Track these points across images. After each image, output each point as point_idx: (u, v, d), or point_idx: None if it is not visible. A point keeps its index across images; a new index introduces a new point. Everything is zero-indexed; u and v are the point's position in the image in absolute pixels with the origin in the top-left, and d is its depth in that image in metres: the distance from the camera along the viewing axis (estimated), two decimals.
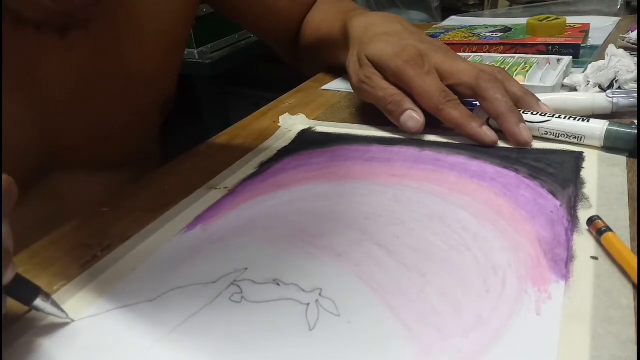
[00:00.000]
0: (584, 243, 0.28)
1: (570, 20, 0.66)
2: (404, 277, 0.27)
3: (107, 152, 0.47)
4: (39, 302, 0.25)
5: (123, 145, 0.48)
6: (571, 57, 0.55)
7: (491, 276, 0.26)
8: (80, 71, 0.41)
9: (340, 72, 0.61)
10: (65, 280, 0.29)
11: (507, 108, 0.40)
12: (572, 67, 0.55)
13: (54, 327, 0.26)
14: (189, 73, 1.33)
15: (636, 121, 0.41)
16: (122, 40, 0.43)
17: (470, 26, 0.73)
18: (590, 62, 0.50)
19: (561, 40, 0.60)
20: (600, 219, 0.28)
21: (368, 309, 0.25)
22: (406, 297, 0.25)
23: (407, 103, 0.42)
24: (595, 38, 0.65)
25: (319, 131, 0.46)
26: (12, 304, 0.27)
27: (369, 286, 0.26)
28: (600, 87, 0.47)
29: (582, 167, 0.36)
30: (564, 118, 0.39)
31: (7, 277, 0.23)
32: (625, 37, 0.58)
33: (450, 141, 0.42)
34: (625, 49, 0.53)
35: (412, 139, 0.43)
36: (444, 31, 0.72)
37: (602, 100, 0.42)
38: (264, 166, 0.41)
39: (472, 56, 0.59)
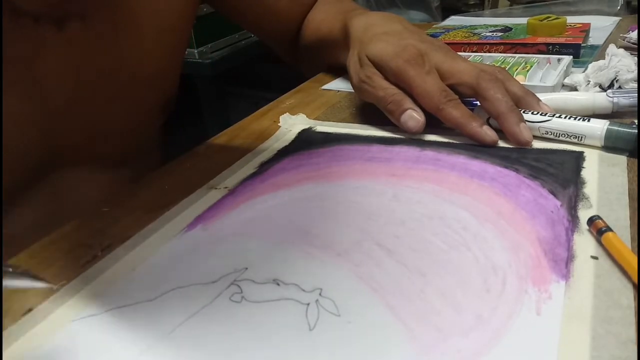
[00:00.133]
0: (584, 243, 0.28)
1: (571, 20, 0.66)
2: (404, 277, 0.27)
3: (107, 151, 0.47)
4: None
5: (124, 145, 0.48)
6: (571, 56, 0.55)
7: (491, 276, 0.26)
8: (80, 68, 0.41)
9: (340, 72, 0.61)
10: (65, 280, 0.29)
11: (507, 108, 0.40)
12: (573, 66, 0.55)
13: (54, 327, 0.26)
14: (189, 73, 1.33)
15: (636, 121, 0.41)
16: (121, 38, 0.43)
17: (471, 26, 0.73)
18: (591, 62, 0.50)
19: (561, 40, 0.60)
20: (601, 218, 0.28)
21: (368, 309, 0.25)
22: (406, 297, 0.25)
23: (408, 103, 0.42)
24: (596, 38, 0.65)
25: (319, 131, 0.46)
26: (10, 306, 0.27)
27: (369, 286, 0.26)
28: (600, 86, 0.47)
29: (583, 167, 0.36)
30: (565, 118, 0.39)
31: None
32: (626, 37, 0.58)
33: (450, 141, 0.42)
34: (626, 48, 0.53)
35: (413, 139, 0.43)
36: (444, 31, 0.72)
37: (602, 99, 0.42)
38: (264, 166, 0.41)
39: (473, 56, 0.59)
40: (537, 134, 0.40)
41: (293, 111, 0.50)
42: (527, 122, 0.40)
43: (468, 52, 0.63)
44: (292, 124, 0.48)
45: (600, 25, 0.70)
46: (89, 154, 0.45)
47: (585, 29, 0.64)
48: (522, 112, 0.40)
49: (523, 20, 0.70)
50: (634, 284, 0.25)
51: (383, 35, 0.46)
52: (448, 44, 0.55)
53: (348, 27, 0.52)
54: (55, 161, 0.43)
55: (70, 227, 0.34)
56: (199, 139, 0.48)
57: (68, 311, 0.26)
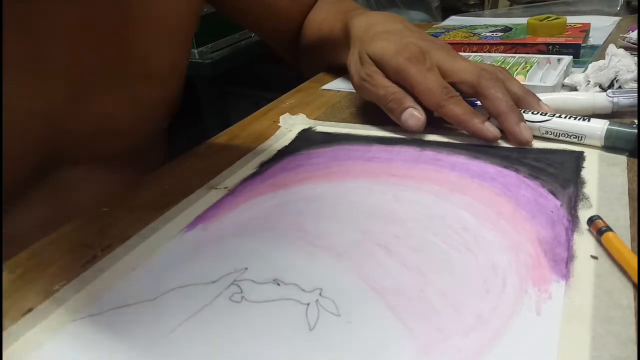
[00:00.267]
0: (584, 243, 0.28)
1: (571, 20, 0.66)
2: (404, 277, 0.27)
3: (111, 150, 0.47)
4: None
5: (128, 144, 0.48)
6: (571, 56, 0.55)
7: (491, 276, 0.26)
8: (85, 62, 0.41)
9: (340, 72, 0.61)
10: (65, 280, 0.29)
11: (507, 107, 0.40)
12: (573, 66, 0.55)
13: (54, 327, 0.26)
14: (189, 73, 1.33)
15: (636, 121, 0.41)
16: (128, 32, 0.43)
17: (471, 26, 0.73)
18: (591, 62, 0.50)
19: (561, 40, 0.60)
20: (601, 218, 0.28)
21: (368, 309, 0.25)
22: (406, 297, 0.25)
23: (408, 101, 0.42)
24: (596, 38, 0.65)
25: (319, 131, 0.46)
26: (10, 305, 0.27)
27: (369, 286, 0.26)
28: (600, 86, 0.47)
29: (583, 167, 0.36)
30: (565, 117, 0.39)
31: None
32: (626, 37, 0.58)
33: (450, 141, 0.42)
34: (626, 48, 0.53)
35: (413, 139, 0.43)
36: (444, 31, 0.72)
37: (602, 99, 0.42)
38: (264, 166, 0.41)
39: (473, 56, 0.59)
40: (537, 133, 0.40)
41: (293, 111, 0.50)
42: (527, 122, 0.40)
43: (468, 52, 0.64)
44: (292, 124, 0.48)
45: (600, 25, 0.70)
46: (92, 152, 0.45)
47: (585, 29, 0.64)
48: (522, 111, 0.40)
49: (523, 20, 0.70)
50: (634, 284, 0.25)
51: (384, 34, 0.46)
52: (448, 44, 0.55)
53: (349, 26, 0.52)
54: (58, 159, 0.43)
55: (70, 227, 0.34)
56: (199, 139, 0.48)
57: (68, 311, 0.26)
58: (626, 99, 0.41)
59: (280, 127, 0.48)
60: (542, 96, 0.43)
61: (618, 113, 0.42)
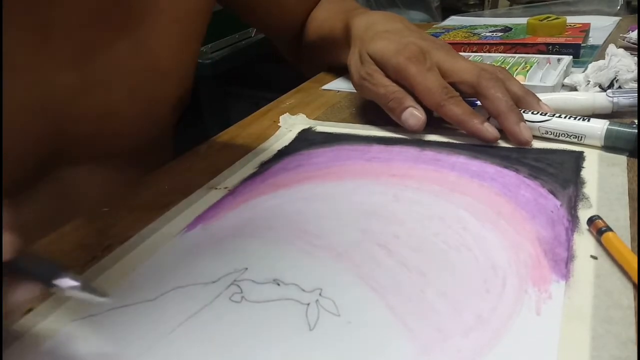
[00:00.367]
0: (584, 243, 0.28)
1: (571, 20, 0.66)
2: (404, 277, 0.27)
3: (117, 147, 0.46)
4: (61, 282, 0.22)
5: (135, 141, 0.47)
6: (571, 56, 0.55)
7: (491, 276, 0.26)
8: (92, 54, 0.40)
9: (340, 71, 0.61)
10: None
11: (507, 107, 0.40)
12: (573, 66, 0.55)
13: (54, 327, 0.26)
14: None
15: (636, 121, 0.41)
16: (137, 24, 0.42)
17: (471, 26, 0.73)
18: (591, 62, 0.50)
19: (561, 40, 0.60)
20: (601, 218, 0.28)
21: (368, 309, 0.25)
22: (406, 297, 0.25)
23: (409, 100, 0.42)
24: (596, 38, 0.65)
25: (319, 131, 0.46)
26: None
27: (369, 286, 0.26)
28: (600, 86, 0.47)
29: (583, 167, 0.36)
30: (564, 117, 0.39)
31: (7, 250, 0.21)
32: (626, 37, 0.58)
33: (450, 141, 0.42)
34: (626, 48, 0.53)
35: (413, 139, 0.43)
36: (444, 31, 0.72)
37: (602, 99, 0.42)
38: (264, 166, 0.41)
39: (473, 56, 0.59)
40: (537, 133, 0.40)
41: (293, 111, 0.50)
42: (527, 122, 0.40)
43: (468, 52, 0.63)
44: (292, 124, 0.48)
45: (600, 25, 0.70)
46: (95, 150, 0.44)
47: (585, 29, 0.64)
48: (522, 111, 0.40)
49: (523, 20, 0.70)
50: (634, 284, 0.25)
51: (384, 33, 0.46)
52: (448, 44, 0.55)
53: (349, 26, 0.52)
54: (59, 157, 0.42)
55: (70, 227, 0.34)
56: (199, 139, 0.48)
57: (68, 311, 0.26)
58: (626, 99, 0.41)
59: (280, 127, 0.48)
60: (542, 96, 0.43)
61: (618, 113, 0.42)
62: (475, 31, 0.69)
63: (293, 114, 0.49)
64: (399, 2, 1.44)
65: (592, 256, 0.27)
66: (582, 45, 0.59)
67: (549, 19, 0.65)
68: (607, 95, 0.42)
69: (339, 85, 0.59)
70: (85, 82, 0.40)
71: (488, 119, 0.42)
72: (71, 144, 0.42)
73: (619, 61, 0.47)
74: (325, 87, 0.59)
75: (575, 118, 0.38)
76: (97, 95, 0.42)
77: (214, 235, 0.32)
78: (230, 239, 0.32)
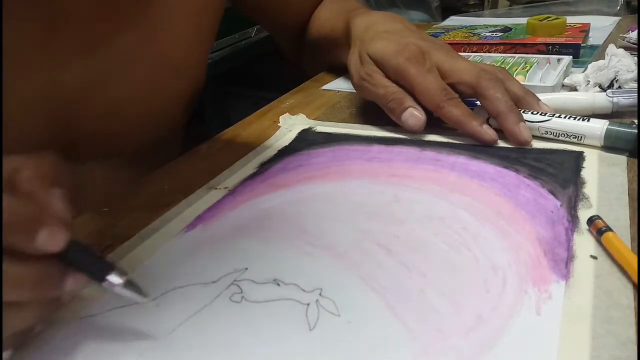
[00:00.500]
0: (584, 243, 0.28)
1: (570, 20, 0.66)
2: (404, 277, 0.27)
3: (125, 146, 0.46)
4: (111, 280, 0.23)
5: (143, 140, 0.47)
6: (571, 56, 0.55)
7: (491, 276, 0.26)
8: (104, 47, 0.40)
9: (340, 72, 0.61)
10: None
11: (507, 107, 0.40)
12: (572, 66, 0.55)
13: (54, 327, 0.26)
14: None
15: (636, 121, 0.41)
16: (151, 18, 0.42)
17: (470, 26, 0.73)
18: (591, 62, 0.50)
19: (561, 40, 0.60)
20: (601, 218, 0.28)
21: (368, 309, 0.25)
22: (406, 297, 0.25)
23: (408, 101, 0.42)
24: (596, 38, 0.65)
25: (319, 131, 0.46)
26: None
27: (369, 286, 0.26)
28: (600, 86, 0.47)
29: (582, 167, 0.36)
30: (564, 117, 0.39)
31: (56, 241, 0.22)
32: (626, 37, 0.58)
33: (450, 141, 0.42)
34: (626, 48, 0.53)
35: (413, 139, 0.43)
36: (444, 31, 0.72)
37: (602, 99, 0.42)
38: (264, 166, 0.41)
39: (472, 56, 0.59)
40: (537, 133, 0.40)
41: (293, 111, 0.50)
42: (526, 122, 0.40)
43: (468, 52, 0.64)
44: (292, 124, 0.48)
45: (600, 25, 0.70)
46: (106, 146, 0.44)
47: (585, 29, 0.64)
48: (521, 111, 0.40)
49: (523, 21, 0.70)
50: (634, 284, 0.25)
51: (384, 34, 0.46)
52: (448, 44, 0.55)
53: (350, 26, 0.52)
54: (70, 153, 0.42)
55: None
56: (199, 139, 0.48)
57: (68, 311, 0.26)
58: (626, 99, 0.41)
59: (280, 127, 0.48)
60: (542, 96, 0.43)
61: (618, 113, 0.42)
62: (475, 31, 0.69)
63: (293, 114, 0.49)
64: (399, 2, 1.44)
65: (592, 256, 0.27)
66: (582, 45, 0.59)
67: (549, 19, 0.65)
68: (607, 95, 0.42)
69: (339, 85, 0.59)
70: (94, 78, 0.40)
71: (488, 119, 0.42)
72: (80, 141, 0.42)
73: (618, 61, 0.47)
74: (325, 87, 0.59)
75: (575, 118, 0.38)
76: (106, 91, 0.41)
77: (214, 235, 0.32)
78: (230, 239, 0.32)
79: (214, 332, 0.25)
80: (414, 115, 0.42)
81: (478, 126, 0.40)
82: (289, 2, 0.62)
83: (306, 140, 0.45)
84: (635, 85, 0.45)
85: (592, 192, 0.32)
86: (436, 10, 1.44)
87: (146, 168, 0.44)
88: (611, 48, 0.50)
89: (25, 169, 0.23)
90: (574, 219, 0.30)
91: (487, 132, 0.40)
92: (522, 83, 0.44)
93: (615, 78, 0.46)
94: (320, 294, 0.26)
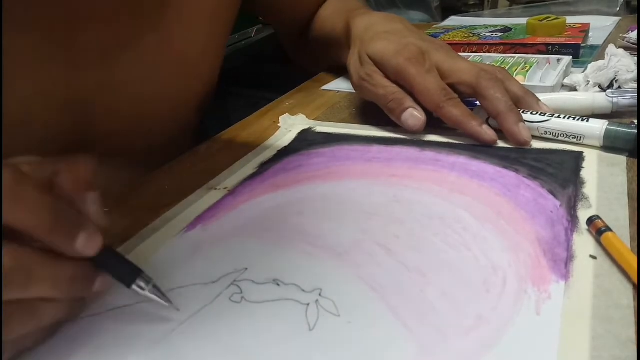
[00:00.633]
0: (583, 243, 0.28)
1: (570, 20, 0.66)
2: (404, 277, 0.27)
3: (138, 145, 0.46)
4: (138, 285, 0.24)
5: (158, 138, 0.47)
6: (571, 57, 0.55)
7: (491, 276, 0.26)
8: (120, 49, 0.40)
9: (340, 72, 0.61)
10: None
11: (506, 107, 0.40)
12: (572, 67, 0.55)
13: (54, 328, 0.26)
14: None
15: (636, 121, 0.41)
16: (167, 17, 0.42)
17: (470, 26, 0.73)
18: (590, 62, 0.50)
19: (561, 40, 0.60)
20: (600, 218, 0.28)
21: (368, 309, 0.25)
22: (406, 297, 0.25)
23: (408, 101, 0.42)
24: (595, 38, 0.65)
25: (319, 131, 0.46)
26: None
27: (369, 286, 0.26)
28: (600, 86, 0.47)
29: (582, 167, 0.36)
30: (564, 118, 0.39)
31: (93, 245, 0.23)
32: (625, 37, 0.58)
33: (450, 141, 0.42)
34: (625, 48, 0.53)
35: (412, 140, 0.43)
36: (444, 31, 0.72)
37: (602, 100, 0.42)
38: (264, 166, 0.41)
39: (472, 56, 0.59)
40: (537, 134, 0.40)
41: (293, 111, 0.50)
42: (526, 122, 0.40)
43: (468, 52, 0.64)
44: (291, 125, 0.48)
45: (600, 26, 0.70)
46: (120, 145, 0.44)
47: (584, 29, 0.64)
48: (521, 112, 0.40)
49: (523, 21, 0.70)
50: (633, 284, 0.25)
51: (384, 34, 0.46)
52: (448, 44, 0.55)
53: (350, 26, 0.52)
54: (86, 151, 0.42)
55: None
56: (199, 139, 0.48)
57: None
58: (626, 99, 0.41)
59: (280, 127, 0.48)
60: (542, 96, 0.43)
61: (618, 113, 0.42)
62: (475, 31, 0.69)
63: (293, 114, 0.49)
64: (399, 2, 1.44)
65: (591, 256, 0.27)
66: (581, 45, 0.59)
67: (549, 19, 0.65)
68: (606, 95, 0.42)
69: (339, 85, 0.59)
70: (111, 78, 0.41)
71: (487, 120, 0.42)
72: (94, 140, 0.42)
73: (618, 61, 0.47)
74: (325, 87, 0.59)
75: (574, 118, 0.38)
76: (122, 91, 0.42)
77: (213, 236, 0.32)
78: (230, 239, 0.32)
79: (214, 332, 0.25)
80: (413, 116, 0.42)
81: (478, 126, 0.40)
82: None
83: (306, 141, 0.45)
84: (635, 85, 0.45)
85: (591, 192, 0.32)
86: (436, 11, 1.44)
87: (155, 168, 0.44)
88: (611, 48, 0.50)
89: (65, 172, 0.24)
90: (573, 219, 0.30)
91: (487, 132, 0.40)
92: (522, 83, 0.44)
93: (615, 78, 0.46)
94: (320, 294, 0.26)
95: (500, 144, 0.40)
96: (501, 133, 0.40)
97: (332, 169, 0.39)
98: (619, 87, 0.46)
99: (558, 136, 0.39)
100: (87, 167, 0.25)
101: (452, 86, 0.42)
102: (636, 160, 0.35)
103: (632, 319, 0.23)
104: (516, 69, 0.52)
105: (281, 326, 0.24)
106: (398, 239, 0.30)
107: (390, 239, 0.30)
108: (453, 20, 0.85)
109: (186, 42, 0.45)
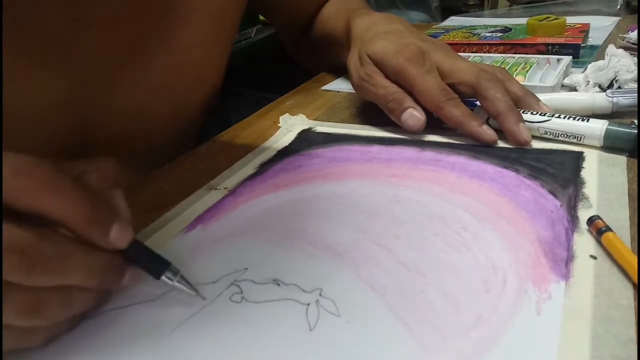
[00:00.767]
0: (584, 243, 0.28)
1: (570, 20, 0.66)
2: (404, 277, 0.27)
3: (141, 147, 0.46)
4: (167, 276, 0.26)
5: (161, 140, 0.47)
6: (571, 57, 0.55)
7: (491, 276, 0.26)
8: (125, 49, 0.40)
9: (340, 72, 0.61)
10: None
11: (506, 107, 0.40)
12: (572, 67, 0.55)
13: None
14: None
15: (636, 121, 0.41)
16: (169, 20, 0.42)
17: (470, 26, 0.73)
18: (590, 62, 0.50)
19: (561, 40, 0.60)
20: (600, 218, 0.28)
21: (368, 309, 0.25)
22: (406, 297, 0.25)
23: (408, 101, 0.42)
24: (595, 38, 0.66)
25: (319, 131, 0.46)
26: None
27: (369, 286, 0.26)
28: (600, 86, 0.47)
29: (582, 167, 0.36)
30: (564, 118, 0.39)
31: (125, 237, 0.24)
32: (625, 37, 0.58)
33: (450, 141, 0.42)
34: (625, 48, 0.53)
35: (413, 140, 0.43)
36: (443, 31, 0.72)
37: (602, 100, 0.42)
38: (264, 166, 0.41)
39: (472, 56, 0.59)
40: (537, 134, 0.40)
41: (293, 111, 0.50)
42: (526, 122, 0.40)
43: (468, 52, 0.64)
44: (292, 125, 0.48)
45: (600, 26, 0.70)
46: (123, 147, 0.44)
47: (584, 29, 0.64)
48: (521, 112, 0.40)
49: (522, 21, 0.70)
50: (634, 284, 0.25)
51: (384, 34, 0.46)
52: (448, 44, 0.55)
53: (350, 26, 0.52)
54: (87, 152, 0.42)
55: None
56: (199, 139, 0.48)
57: None
58: (626, 99, 0.41)
59: (280, 127, 0.48)
60: (542, 96, 0.43)
61: (618, 113, 0.42)
62: (475, 31, 0.69)
63: (293, 114, 0.49)
64: (399, 2, 1.44)
65: (591, 256, 0.27)
66: (581, 45, 0.59)
67: (549, 19, 0.65)
68: (606, 95, 0.42)
69: (339, 85, 0.59)
70: (113, 80, 0.41)
71: (488, 120, 0.42)
72: (97, 142, 0.42)
73: (618, 61, 0.47)
74: (325, 87, 0.59)
75: (574, 118, 0.38)
76: (124, 92, 0.42)
77: (213, 236, 0.32)
78: (230, 239, 0.32)
79: (214, 332, 0.25)
80: (413, 116, 0.42)
81: (478, 126, 0.40)
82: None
83: (306, 141, 0.45)
84: (635, 85, 0.45)
85: (592, 192, 0.32)
86: (436, 11, 1.44)
87: (157, 169, 0.44)
88: (611, 48, 0.50)
89: (93, 172, 0.26)
90: (573, 219, 0.30)
91: (487, 132, 0.40)
92: (522, 83, 0.44)
93: (615, 78, 0.46)
94: (320, 294, 0.26)
95: (501, 144, 0.40)
96: (501, 133, 0.40)
97: (332, 169, 0.39)
98: (619, 87, 0.46)
99: (558, 136, 0.39)
100: (113, 166, 0.27)
101: (452, 86, 0.42)
102: (636, 160, 0.35)
103: (632, 319, 0.23)
104: (516, 69, 0.52)
105: (281, 326, 0.24)
106: (398, 239, 0.30)
107: (390, 239, 0.30)
108: (453, 21, 0.85)
109: (190, 46, 0.45)
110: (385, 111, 0.44)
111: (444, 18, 0.92)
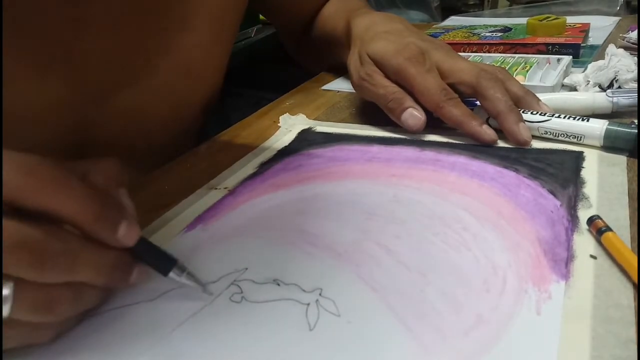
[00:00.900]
0: (584, 243, 0.28)
1: (570, 19, 0.66)
2: (404, 277, 0.27)
3: (143, 147, 0.46)
4: (174, 273, 0.26)
5: (161, 142, 0.47)
6: (571, 56, 0.55)
7: (491, 276, 0.26)
8: (125, 52, 0.40)
9: (340, 72, 0.61)
10: None
11: (506, 107, 0.40)
12: (572, 66, 0.55)
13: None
14: None
15: (636, 121, 0.41)
16: (170, 23, 0.42)
17: (470, 26, 0.73)
18: (590, 62, 0.50)
19: (561, 40, 0.60)
20: (600, 218, 0.28)
21: (368, 309, 0.25)
22: (406, 297, 0.25)
23: (408, 101, 0.42)
24: (595, 38, 0.65)
25: (319, 131, 0.46)
26: None
27: (369, 286, 0.26)
28: (600, 86, 0.47)
29: (582, 167, 0.36)
30: (564, 117, 0.39)
31: (132, 234, 0.24)
32: (625, 37, 0.58)
33: (450, 141, 0.42)
34: (625, 48, 0.53)
35: (412, 139, 0.43)
36: (443, 31, 0.72)
37: (602, 99, 0.42)
38: (264, 166, 0.41)
39: (472, 56, 0.59)
40: (537, 133, 0.40)
41: (293, 111, 0.50)
42: (526, 122, 0.40)
43: (468, 52, 0.64)
44: (292, 124, 0.48)
45: (600, 25, 0.70)
46: (122, 147, 0.44)
47: (584, 29, 0.64)
48: (521, 111, 0.40)
49: (523, 21, 0.70)
50: (634, 284, 0.25)
51: (384, 34, 0.46)
52: (448, 44, 0.55)
53: (350, 25, 0.52)
54: (87, 153, 0.42)
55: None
56: (199, 139, 0.48)
57: None
58: (626, 99, 0.41)
59: (280, 127, 0.48)
60: (542, 96, 0.43)
61: (618, 113, 0.42)
62: (475, 31, 0.69)
63: (293, 114, 0.49)
64: (399, 2, 1.44)
65: (591, 256, 0.27)
66: (581, 45, 0.59)
67: (549, 19, 0.65)
68: (606, 95, 0.42)
69: (339, 85, 0.59)
70: (113, 80, 0.41)
71: (488, 119, 0.42)
72: (96, 142, 0.42)
73: (618, 61, 0.47)
74: (325, 87, 0.59)
75: (574, 118, 0.38)
76: (128, 92, 0.42)
77: (214, 236, 0.32)
78: (230, 239, 0.32)
79: (214, 332, 0.25)
80: (413, 116, 0.42)
81: (478, 126, 0.40)
82: None
83: (306, 140, 0.45)
84: (635, 85, 0.45)
85: (592, 192, 0.32)
86: (436, 10, 1.44)
87: (157, 169, 0.44)
88: (611, 48, 0.50)
89: (97, 171, 0.26)
90: (573, 218, 0.30)
91: (487, 132, 0.40)
92: (522, 83, 0.44)
93: (615, 78, 0.46)
94: (320, 294, 0.26)
95: (501, 143, 0.40)
96: (501, 133, 0.40)
97: (332, 168, 0.39)
98: (619, 87, 0.46)
99: (558, 136, 0.39)
100: (116, 166, 0.27)
101: (452, 86, 0.42)
102: (636, 160, 0.35)
103: (632, 319, 0.23)
104: (516, 69, 0.52)
105: (281, 326, 0.24)
106: (398, 239, 0.30)
107: (390, 239, 0.30)
108: (453, 20, 0.85)
109: (190, 46, 0.45)
110: (385, 111, 0.44)
111: (444, 18, 0.92)
